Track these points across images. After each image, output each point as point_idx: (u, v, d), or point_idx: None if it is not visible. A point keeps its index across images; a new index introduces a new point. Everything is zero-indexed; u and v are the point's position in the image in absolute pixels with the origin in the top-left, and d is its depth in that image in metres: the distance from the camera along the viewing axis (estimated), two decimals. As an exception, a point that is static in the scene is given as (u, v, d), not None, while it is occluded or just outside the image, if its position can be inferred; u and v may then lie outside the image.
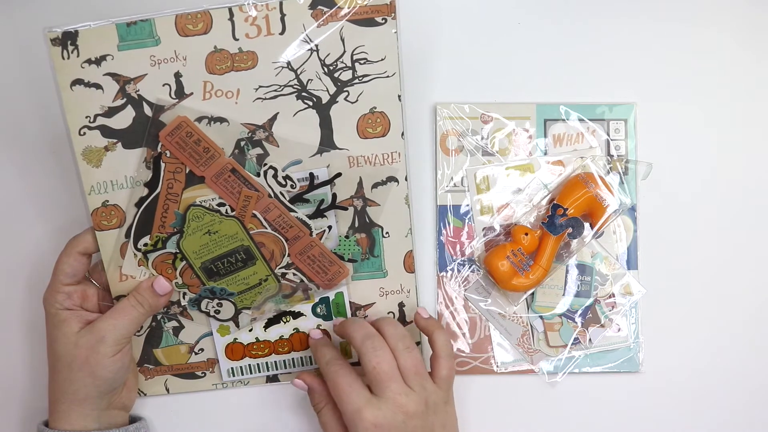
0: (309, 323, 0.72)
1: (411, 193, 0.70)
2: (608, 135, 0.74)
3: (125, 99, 0.66)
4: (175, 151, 0.66)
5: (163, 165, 0.66)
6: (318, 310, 0.72)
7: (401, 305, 0.72)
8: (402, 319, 0.72)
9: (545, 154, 0.74)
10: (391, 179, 0.69)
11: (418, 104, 0.74)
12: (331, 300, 0.71)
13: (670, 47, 0.75)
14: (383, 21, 0.66)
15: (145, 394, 0.73)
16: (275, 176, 0.67)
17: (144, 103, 0.66)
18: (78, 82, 0.65)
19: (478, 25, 0.75)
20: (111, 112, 0.66)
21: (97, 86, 0.65)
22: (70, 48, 0.64)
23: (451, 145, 0.74)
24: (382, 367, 0.63)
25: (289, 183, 0.67)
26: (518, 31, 0.75)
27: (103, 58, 0.65)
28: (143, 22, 0.64)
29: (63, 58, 0.64)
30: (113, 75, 0.65)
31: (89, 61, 0.65)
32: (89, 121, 0.66)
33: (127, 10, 0.65)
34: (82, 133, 0.66)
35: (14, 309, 0.74)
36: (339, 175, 0.68)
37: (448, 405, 0.67)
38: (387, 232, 0.70)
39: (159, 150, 0.66)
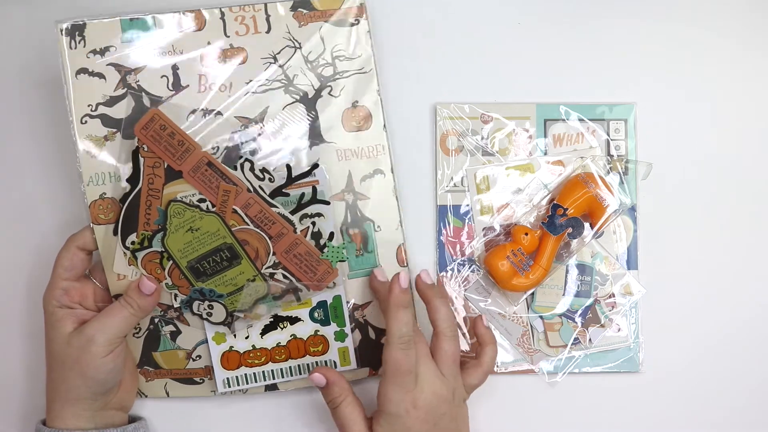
0: (306, 329, 0.71)
1: (398, 186, 0.71)
2: (608, 135, 0.74)
3: (125, 89, 0.68)
4: (151, 145, 0.67)
5: (141, 159, 0.67)
6: (315, 314, 0.71)
7: None
8: None
9: (545, 154, 0.74)
10: (378, 172, 0.71)
11: (418, 104, 0.74)
12: (328, 304, 0.71)
13: (670, 47, 0.75)
14: (356, 21, 0.70)
15: (146, 396, 0.73)
16: (252, 169, 0.67)
17: (143, 93, 0.68)
18: (83, 71, 0.68)
19: (478, 25, 0.75)
20: (112, 101, 0.68)
21: (100, 76, 0.68)
22: (78, 39, 0.68)
23: (451, 145, 0.74)
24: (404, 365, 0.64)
25: (267, 176, 0.67)
26: (518, 31, 0.75)
27: (107, 49, 0.68)
28: (144, 18, 0.69)
29: (71, 48, 0.68)
30: (116, 65, 0.68)
31: (94, 52, 0.68)
32: (91, 110, 0.68)
33: (129, 7, 0.72)
34: (83, 121, 0.68)
35: (15, 307, 0.74)
36: (317, 165, 0.69)
37: (465, 407, 0.68)
38: (378, 226, 0.71)
39: (136, 144, 0.67)
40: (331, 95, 0.70)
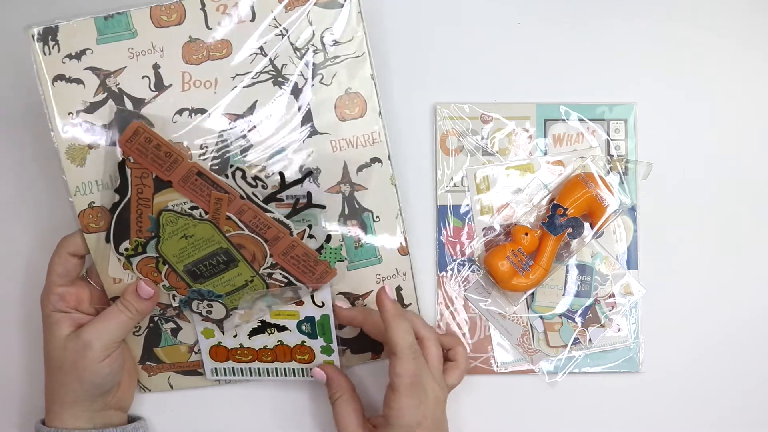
0: (293, 338, 0.70)
1: (396, 173, 0.69)
2: (608, 135, 0.74)
3: (106, 93, 0.66)
4: (137, 158, 0.64)
5: (128, 171, 0.65)
6: (303, 327, 0.70)
7: (399, 289, 0.71)
8: (401, 303, 0.72)
9: (545, 154, 0.74)
10: (375, 160, 0.69)
11: (418, 104, 0.74)
12: (316, 321, 0.70)
13: (670, 47, 0.75)
14: (345, 1, 0.66)
15: (149, 390, 0.73)
16: (244, 177, 0.66)
17: (125, 96, 0.66)
18: (60, 77, 0.65)
19: (478, 25, 0.75)
20: (92, 107, 0.66)
21: (79, 81, 0.65)
22: (51, 44, 0.65)
23: (451, 145, 0.74)
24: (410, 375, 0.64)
25: (260, 184, 0.66)
26: (518, 31, 0.75)
27: (83, 52, 0.65)
28: (120, 15, 0.65)
29: (45, 54, 0.65)
30: (93, 69, 0.65)
31: (70, 56, 0.65)
32: (72, 118, 0.65)
33: (104, 4, 0.66)
34: (65, 131, 0.65)
35: (14, 307, 0.74)
36: (310, 173, 0.67)
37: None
38: (377, 216, 0.70)
39: (121, 156, 0.65)
40: (323, 83, 0.67)
